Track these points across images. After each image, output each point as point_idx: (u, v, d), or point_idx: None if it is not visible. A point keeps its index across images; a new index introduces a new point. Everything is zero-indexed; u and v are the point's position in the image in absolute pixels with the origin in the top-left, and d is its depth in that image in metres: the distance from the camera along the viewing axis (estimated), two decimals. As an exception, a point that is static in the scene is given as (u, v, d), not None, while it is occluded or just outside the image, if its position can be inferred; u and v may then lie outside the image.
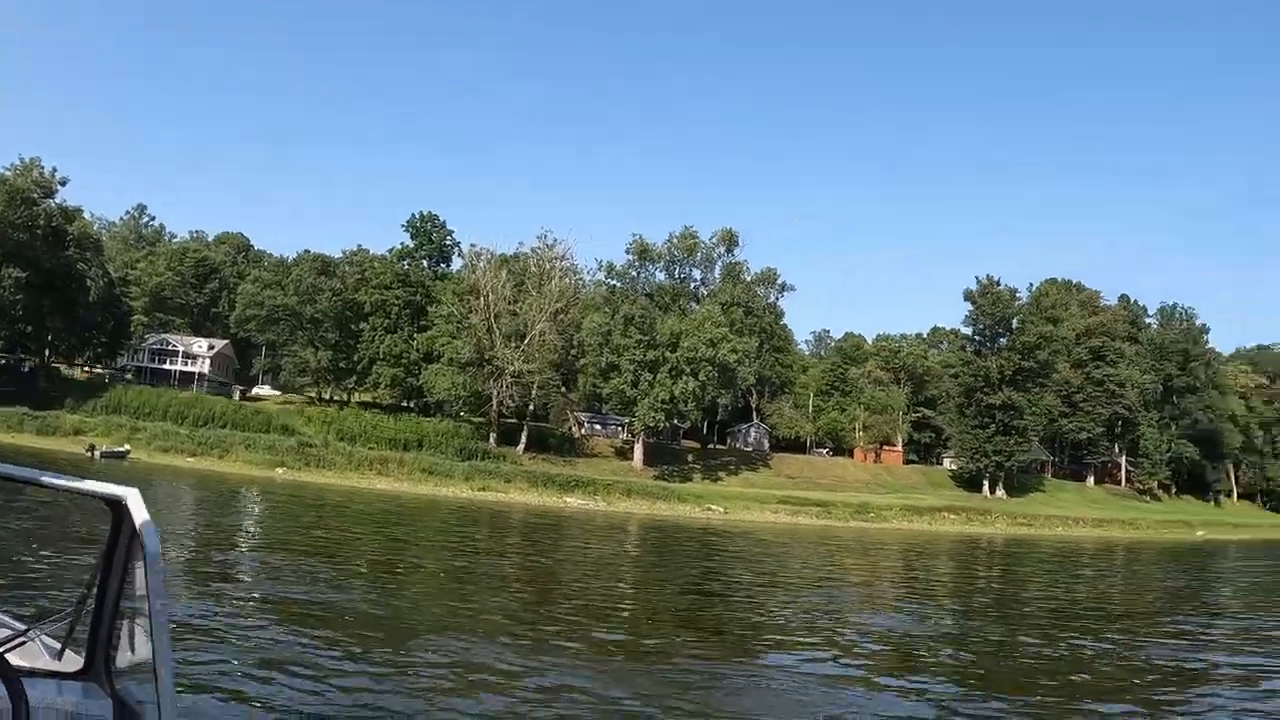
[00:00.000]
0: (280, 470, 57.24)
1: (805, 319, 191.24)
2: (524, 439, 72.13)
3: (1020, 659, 12.10)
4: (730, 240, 79.66)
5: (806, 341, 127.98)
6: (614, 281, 78.49)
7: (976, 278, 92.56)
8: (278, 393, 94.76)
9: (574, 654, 11.10)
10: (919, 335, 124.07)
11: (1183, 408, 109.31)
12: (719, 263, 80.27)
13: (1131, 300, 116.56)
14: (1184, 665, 12.43)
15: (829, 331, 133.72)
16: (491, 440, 71.29)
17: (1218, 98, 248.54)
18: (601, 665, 10.66)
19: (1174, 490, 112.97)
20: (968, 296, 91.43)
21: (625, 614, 15.28)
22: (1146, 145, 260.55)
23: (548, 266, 72.89)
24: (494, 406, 72.01)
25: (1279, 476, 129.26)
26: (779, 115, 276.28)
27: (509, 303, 70.12)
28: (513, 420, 75.71)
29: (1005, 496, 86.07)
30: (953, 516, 73.13)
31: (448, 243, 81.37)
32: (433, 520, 38.36)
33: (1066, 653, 12.79)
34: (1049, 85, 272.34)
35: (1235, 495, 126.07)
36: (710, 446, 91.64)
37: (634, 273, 77.80)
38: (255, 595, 15.62)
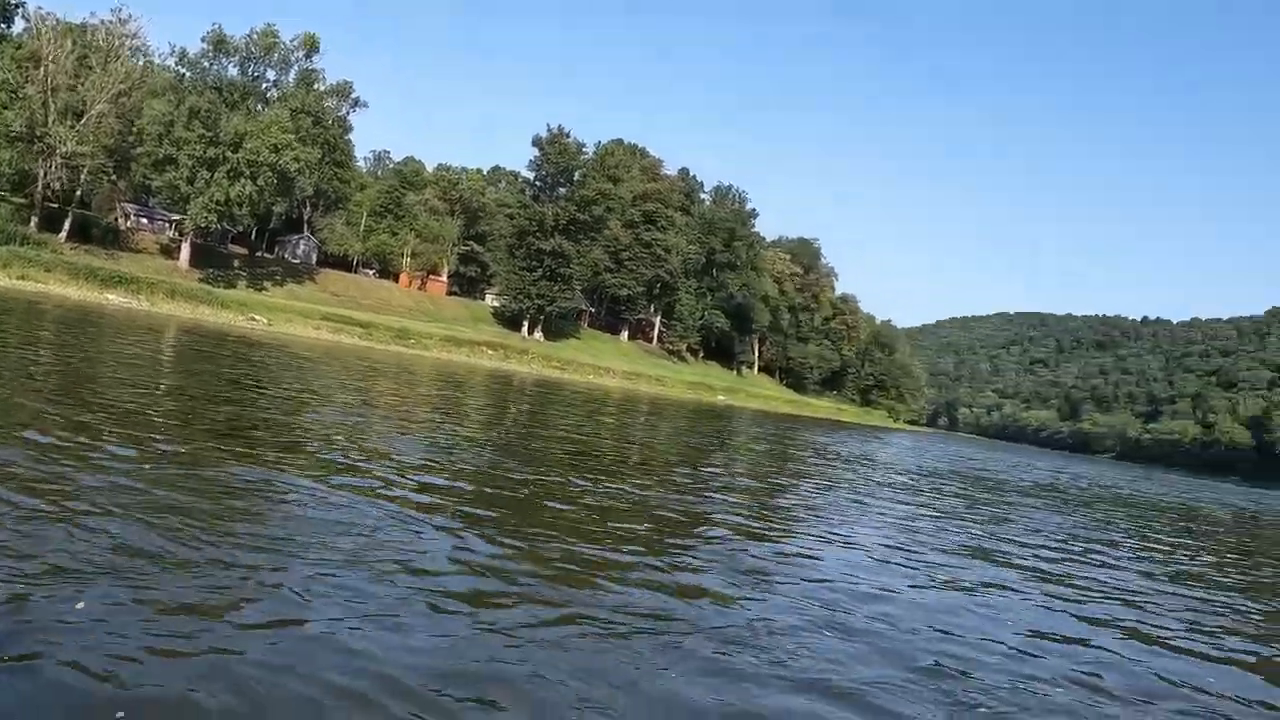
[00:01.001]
0: None
1: (367, 138, 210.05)
2: (68, 227, 79.81)
3: (538, 495, 14.07)
4: (311, 45, 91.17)
5: (365, 159, 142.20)
6: (184, 71, 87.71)
7: (548, 125, 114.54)
8: None
9: (100, 462, 11.91)
10: (480, 170, 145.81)
11: (721, 281, 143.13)
12: (295, 67, 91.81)
13: (691, 174, 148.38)
14: (687, 512, 15.05)
15: (389, 153, 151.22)
16: (33, 225, 78.00)
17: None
18: (130, 468, 11.75)
19: (702, 355, 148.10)
20: (536, 143, 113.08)
21: (158, 419, 16.90)
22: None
23: (117, 43, 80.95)
24: (39, 189, 79.47)
25: (798, 356, 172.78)
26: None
27: (70, 77, 77.48)
28: (56, 205, 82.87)
29: (543, 339, 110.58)
30: (491, 352, 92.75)
31: (12, 2, 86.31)
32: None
33: (579, 490, 15.12)
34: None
35: (756, 368, 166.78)
36: (258, 255, 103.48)
37: (207, 64, 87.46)
38: None
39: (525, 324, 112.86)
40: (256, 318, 74.00)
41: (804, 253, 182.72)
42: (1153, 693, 9.13)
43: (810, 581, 11.27)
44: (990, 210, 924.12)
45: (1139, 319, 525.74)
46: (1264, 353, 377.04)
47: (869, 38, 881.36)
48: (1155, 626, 12.25)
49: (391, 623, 7.36)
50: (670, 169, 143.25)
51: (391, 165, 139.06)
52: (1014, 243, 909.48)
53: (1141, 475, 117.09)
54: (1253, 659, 11.38)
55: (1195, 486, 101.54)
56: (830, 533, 15.87)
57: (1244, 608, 15.78)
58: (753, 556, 12.29)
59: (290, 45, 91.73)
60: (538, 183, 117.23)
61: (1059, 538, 22.01)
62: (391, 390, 37.74)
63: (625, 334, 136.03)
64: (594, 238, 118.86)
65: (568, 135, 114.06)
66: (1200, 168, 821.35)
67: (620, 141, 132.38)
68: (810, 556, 13.25)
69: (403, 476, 14.50)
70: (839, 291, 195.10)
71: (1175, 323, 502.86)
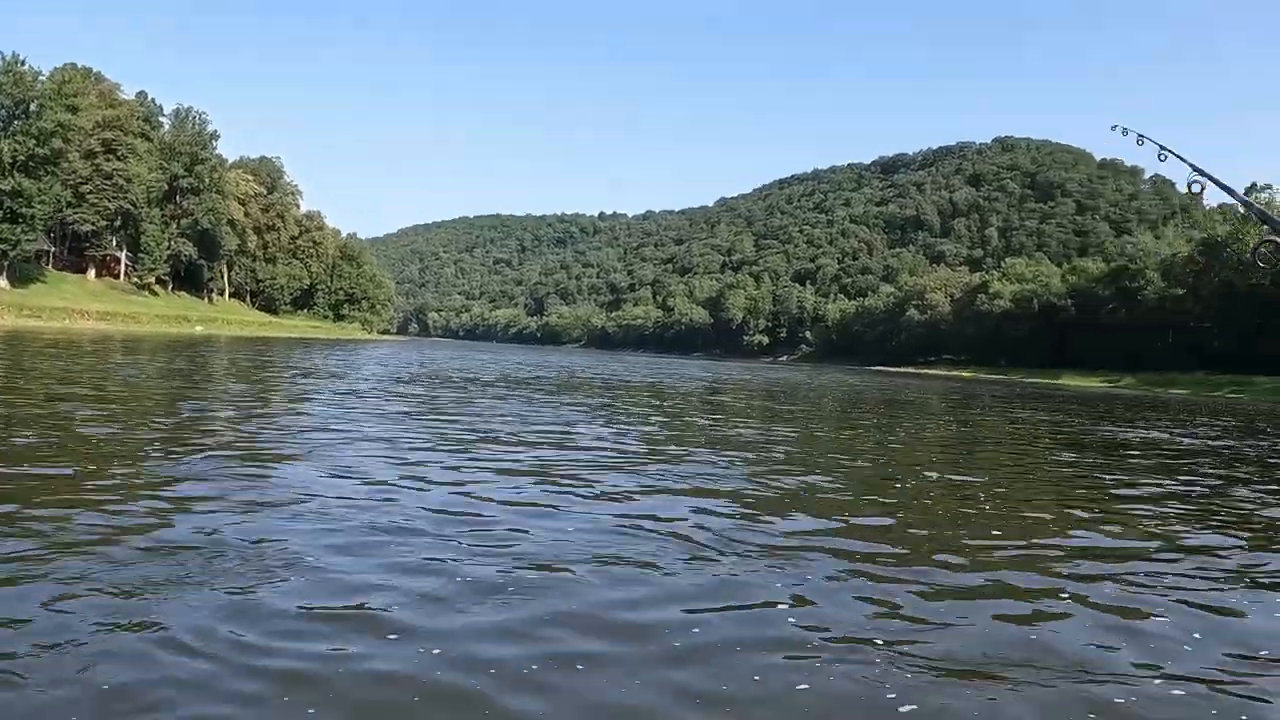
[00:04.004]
0: None
1: None
2: None
3: (31, 446, 13.22)
4: None
5: None
6: None
7: (0, 53, 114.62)
8: None
9: None
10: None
11: (186, 208, 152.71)
12: None
13: (149, 98, 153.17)
14: (180, 440, 14.50)
15: None
16: None
17: None
18: None
19: (171, 286, 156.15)
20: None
21: None
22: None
23: None
24: None
25: (268, 278, 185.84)
26: None
27: None
28: None
29: (8, 286, 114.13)
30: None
31: None
32: None
33: (58, 439, 14.20)
34: None
35: (227, 294, 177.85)
36: None
37: None
38: None
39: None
40: None
41: (266, 170, 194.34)
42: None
43: (300, 491, 10.71)
44: (442, 117, 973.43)
45: (596, 215, 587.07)
46: (715, 239, 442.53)
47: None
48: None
49: None
50: (128, 92, 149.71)
51: None
52: (469, 147, 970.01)
53: (610, 358, 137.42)
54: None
55: (660, 363, 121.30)
56: (308, 443, 15.43)
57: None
58: (242, 476, 11.80)
59: None
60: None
61: (536, 421, 22.17)
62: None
63: (92, 272, 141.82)
64: (54, 172, 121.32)
65: (23, 63, 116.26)
66: (657, 75, 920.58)
67: (75, 65, 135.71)
68: (294, 467, 12.91)
69: None
70: (304, 209, 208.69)
71: (631, 216, 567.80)
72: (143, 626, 5.95)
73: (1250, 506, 14.57)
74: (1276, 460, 24.52)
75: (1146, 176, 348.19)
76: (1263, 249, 6.63)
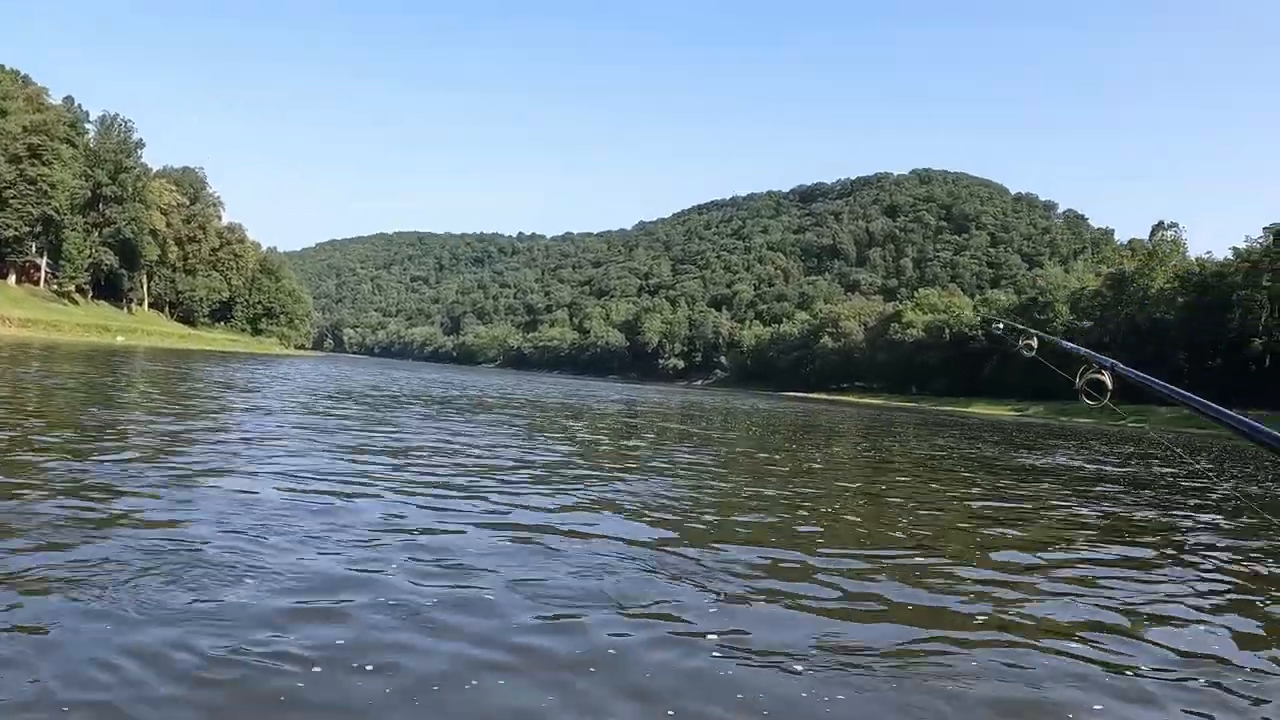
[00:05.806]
0: None
1: None
2: None
3: None
4: None
5: None
6: None
7: None
8: None
9: None
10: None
11: (108, 216, 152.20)
12: None
13: (76, 104, 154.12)
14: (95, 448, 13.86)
15: None
16: None
17: None
18: None
19: (91, 295, 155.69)
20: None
21: None
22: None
23: None
24: None
25: (187, 289, 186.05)
26: None
27: None
28: None
29: None
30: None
31: None
32: None
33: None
34: None
35: (146, 304, 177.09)
36: None
37: None
38: None
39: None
40: None
41: (189, 181, 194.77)
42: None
43: (219, 504, 10.17)
44: (362, 130, 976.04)
45: (515, 235, 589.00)
46: (633, 262, 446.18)
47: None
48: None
49: None
50: (55, 97, 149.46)
51: None
52: (388, 163, 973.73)
53: (526, 379, 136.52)
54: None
55: (577, 385, 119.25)
56: (226, 457, 14.49)
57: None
58: (159, 486, 10.90)
59: None
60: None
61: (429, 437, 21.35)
62: None
63: (12, 278, 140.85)
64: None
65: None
66: (578, 98, 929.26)
67: (3, 67, 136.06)
68: (212, 479, 11.92)
69: None
70: (225, 220, 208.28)
71: (549, 237, 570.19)
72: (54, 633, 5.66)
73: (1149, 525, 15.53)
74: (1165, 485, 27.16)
75: (1059, 211, 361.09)
76: (1085, 386, 5.24)
